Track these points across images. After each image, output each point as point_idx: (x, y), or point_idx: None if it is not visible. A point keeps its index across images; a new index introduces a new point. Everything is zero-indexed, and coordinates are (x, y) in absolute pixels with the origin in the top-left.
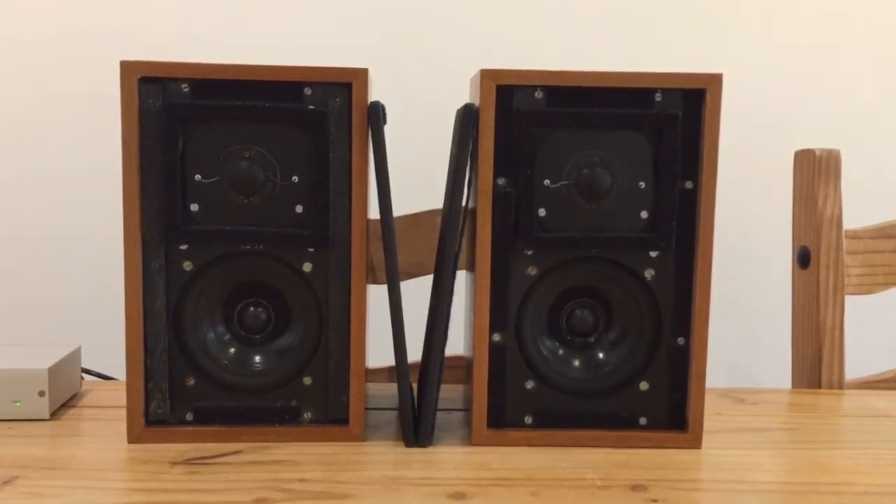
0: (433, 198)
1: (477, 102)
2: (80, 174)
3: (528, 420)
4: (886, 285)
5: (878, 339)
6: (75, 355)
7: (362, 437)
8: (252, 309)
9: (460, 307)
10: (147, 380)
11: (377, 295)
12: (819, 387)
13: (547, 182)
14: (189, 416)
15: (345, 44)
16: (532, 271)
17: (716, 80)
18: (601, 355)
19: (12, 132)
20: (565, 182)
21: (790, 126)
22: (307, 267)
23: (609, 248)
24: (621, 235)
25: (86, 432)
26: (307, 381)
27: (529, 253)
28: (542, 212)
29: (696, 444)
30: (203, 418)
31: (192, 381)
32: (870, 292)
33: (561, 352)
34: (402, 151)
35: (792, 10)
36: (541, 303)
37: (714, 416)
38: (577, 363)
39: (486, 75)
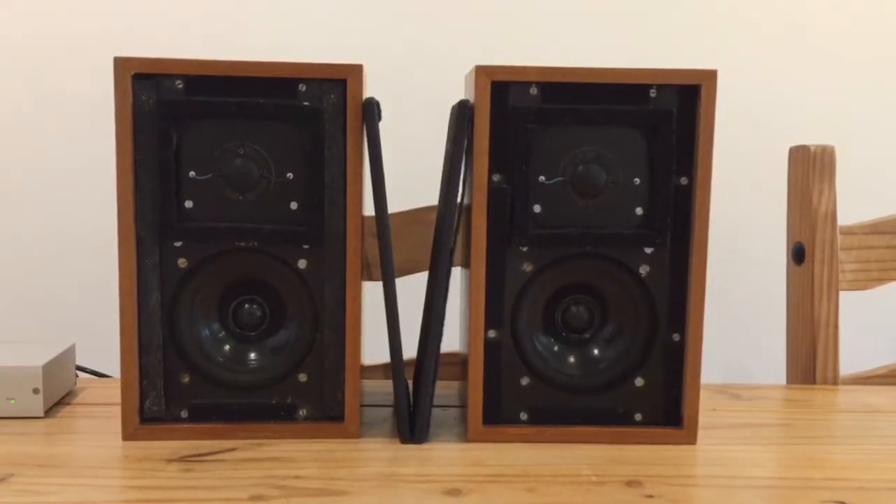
0: (428, 194)
1: (472, 99)
2: (75, 172)
3: (524, 416)
4: (880, 281)
5: (873, 334)
6: (70, 353)
7: (358, 434)
8: (247, 306)
9: (455, 304)
10: (142, 377)
11: (372, 292)
12: (814, 383)
13: (542, 178)
14: (184, 414)
15: (340, 40)
16: (527, 268)
17: (710, 76)
18: (596, 352)
19: (5, 131)
20: (560, 178)
21: (785, 122)
22: (302, 264)
23: (604, 244)
24: (616, 232)
25: (80, 430)
26: (302, 377)
27: (524, 249)
28: (537, 208)
29: (691, 439)
30: (198, 415)
31: (187, 379)
32: (864, 288)
33: (556, 348)
34: (397, 148)
35: (787, 6)
36: (536, 299)
37: (709, 411)
38: (572, 359)
39: (482, 72)
